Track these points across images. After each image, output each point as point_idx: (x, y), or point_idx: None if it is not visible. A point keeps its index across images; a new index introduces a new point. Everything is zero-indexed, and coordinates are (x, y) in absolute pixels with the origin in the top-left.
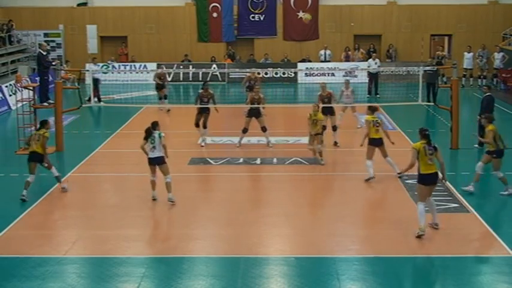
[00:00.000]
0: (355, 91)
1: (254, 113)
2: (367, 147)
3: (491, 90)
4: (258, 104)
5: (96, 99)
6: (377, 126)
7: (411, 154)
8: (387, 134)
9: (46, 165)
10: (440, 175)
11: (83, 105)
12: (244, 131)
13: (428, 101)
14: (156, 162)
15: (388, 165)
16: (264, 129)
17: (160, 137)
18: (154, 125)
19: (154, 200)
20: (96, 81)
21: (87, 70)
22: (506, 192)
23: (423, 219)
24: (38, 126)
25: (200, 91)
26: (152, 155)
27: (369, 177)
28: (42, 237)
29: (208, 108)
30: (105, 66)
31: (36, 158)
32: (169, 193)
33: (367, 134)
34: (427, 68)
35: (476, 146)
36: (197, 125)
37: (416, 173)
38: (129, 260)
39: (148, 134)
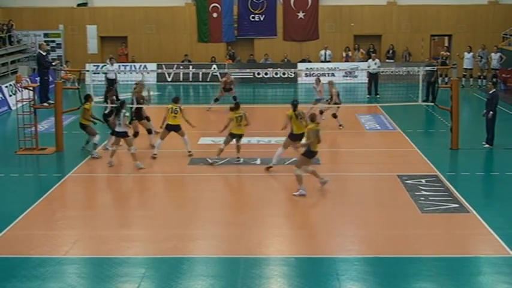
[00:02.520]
0: (355, 91)
1: None
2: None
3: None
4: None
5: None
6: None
7: (285, 119)
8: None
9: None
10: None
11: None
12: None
13: (426, 100)
14: (121, 136)
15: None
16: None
17: (124, 115)
18: (123, 105)
19: (110, 166)
20: (111, 82)
21: (87, 70)
22: (297, 193)
23: (276, 160)
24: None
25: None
26: (118, 129)
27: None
28: (42, 237)
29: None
30: (104, 66)
31: (82, 127)
32: (135, 161)
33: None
34: (427, 68)
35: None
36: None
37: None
38: (129, 260)
39: (118, 111)
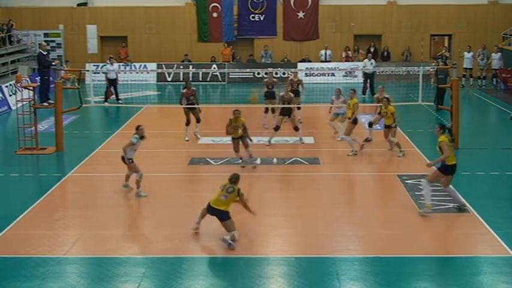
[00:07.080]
0: (355, 91)
1: (287, 112)
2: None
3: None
4: (289, 103)
5: (114, 98)
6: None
7: (444, 149)
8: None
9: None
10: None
11: (83, 105)
12: (276, 128)
13: (438, 104)
14: (126, 161)
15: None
16: (296, 128)
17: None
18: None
19: (125, 187)
20: (113, 82)
21: (87, 70)
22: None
23: (429, 199)
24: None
25: (183, 90)
26: (128, 155)
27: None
28: (42, 237)
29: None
30: (104, 66)
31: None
32: (137, 188)
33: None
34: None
35: None
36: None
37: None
38: (129, 260)
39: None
